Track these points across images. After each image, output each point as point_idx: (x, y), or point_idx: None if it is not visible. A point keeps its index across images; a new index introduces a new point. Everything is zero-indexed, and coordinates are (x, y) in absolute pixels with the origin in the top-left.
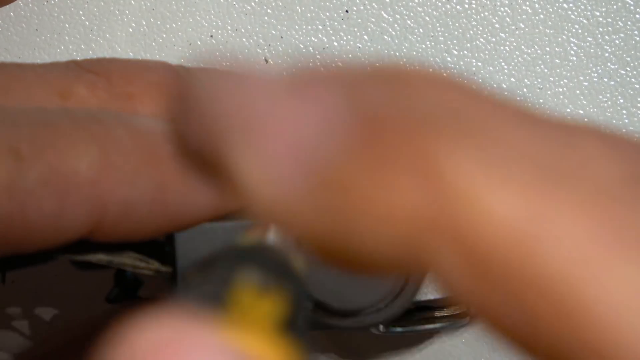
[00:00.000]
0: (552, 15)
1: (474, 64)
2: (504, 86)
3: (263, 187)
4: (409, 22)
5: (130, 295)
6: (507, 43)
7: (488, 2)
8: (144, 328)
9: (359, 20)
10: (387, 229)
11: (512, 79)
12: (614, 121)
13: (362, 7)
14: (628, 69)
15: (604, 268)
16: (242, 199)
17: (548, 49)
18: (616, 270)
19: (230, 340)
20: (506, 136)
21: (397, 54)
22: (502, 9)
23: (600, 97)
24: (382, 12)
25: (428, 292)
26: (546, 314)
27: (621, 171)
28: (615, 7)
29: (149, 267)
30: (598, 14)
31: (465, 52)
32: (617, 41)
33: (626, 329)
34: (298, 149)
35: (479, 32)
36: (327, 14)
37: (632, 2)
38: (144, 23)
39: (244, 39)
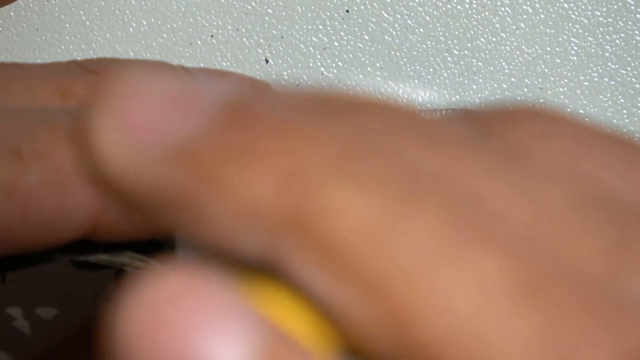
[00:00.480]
0: (553, 15)
1: (475, 63)
2: (505, 86)
3: (116, 150)
4: (409, 21)
5: None
6: (508, 43)
7: (489, 2)
8: (164, 277)
9: (360, 20)
10: (240, 216)
11: (513, 79)
12: (615, 121)
13: (362, 7)
14: (629, 68)
15: (439, 271)
16: (100, 167)
17: (549, 48)
18: (453, 266)
19: (245, 298)
20: (384, 155)
21: (398, 53)
22: (502, 8)
23: (601, 96)
24: (383, 12)
25: None
26: (390, 314)
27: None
28: (615, 7)
29: (149, 267)
30: (599, 13)
31: (466, 52)
32: (617, 41)
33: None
34: (159, 120)
35: (480, 31)
36: (328, 13)
37: (632, 2)
38: (145, 23)
39: (245, 39)
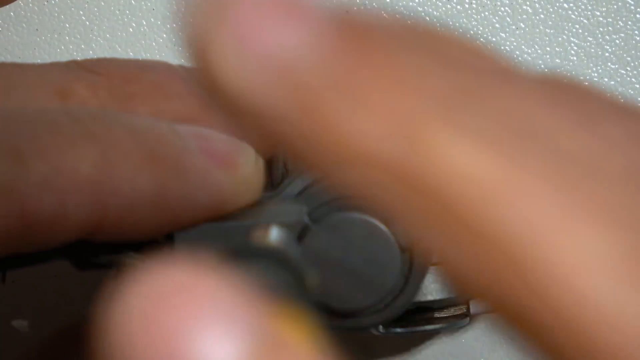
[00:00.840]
0: (553, 15)
1: None
2: None
3: (234, 74)
4: (409, 22)
5: None
6: (508, 43)
7: (488, 2)
8: (158, 273)
9: None
10: (343, 156)
11: None
12: None
13: (362, 8)
14: (628, 68)
15: (562, 232)
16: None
17: (548, 48)
18: (575, 237)
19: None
20: (497, 106)
21: None
22: (502, 8)
23: None
24: (383, 12)
25: (428, 293)
26: (506, 272)
27: (595, 148)
28: (615, 7)
29: (143, 262)
30: (598, 13)
31: None
32: (617, 41)
33: (586, 290)
34: (274, 46)
35: (480, 31)
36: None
37: (632, 2)
38: (144, 23)
39: None
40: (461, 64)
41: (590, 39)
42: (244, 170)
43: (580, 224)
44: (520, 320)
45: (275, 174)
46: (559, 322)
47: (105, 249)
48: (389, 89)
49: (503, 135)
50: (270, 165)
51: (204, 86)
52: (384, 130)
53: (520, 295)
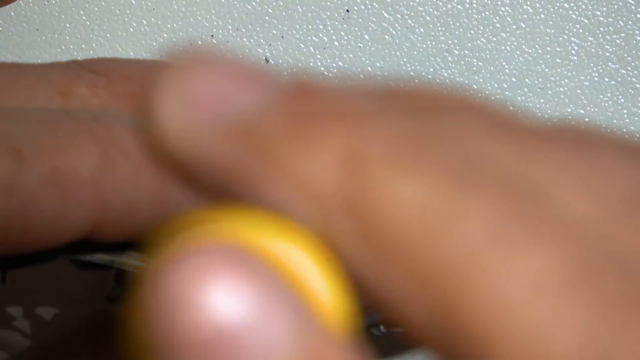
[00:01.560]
0: (553, 15)
1: (475, 63)
2: (505, 86)
3: (177, 121)
4: (409, 21)
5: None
6: (508, 43)
7: (489, 2)
8: (197, 255)
9: (360, 20)
10: (295, 195)
11: (513, 79)
12: (615, 121)
13: (362, 7)
14: (629, 68)
15: (492, 260)
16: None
17: (549, 48)
18: (503, 264)
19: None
20: (440, 142)
21: (398, 53)
22: (503, 8)
23: (601, 96)
24: (383, 12)
25: None
26: (440, 301)
27: (521, 169)
28: (616, 6)
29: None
30: (599, 13)
31: (466, 52)
32: (618, 41)
33: (509, 323)
34: (221, 94)
35: (480, 31)
36: (328, 13)
37: (633, 2)
38: (145, 23)
39: (245, 39)
40: (410, 109)
41: (591, 39)
42: None
43: (513, 249)
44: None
45: None
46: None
47: (106, 249)
48: (336, 130)
49: (443, 167)
50: None
51: (151, 143)
52: (332, 166)
53: (450, 326)
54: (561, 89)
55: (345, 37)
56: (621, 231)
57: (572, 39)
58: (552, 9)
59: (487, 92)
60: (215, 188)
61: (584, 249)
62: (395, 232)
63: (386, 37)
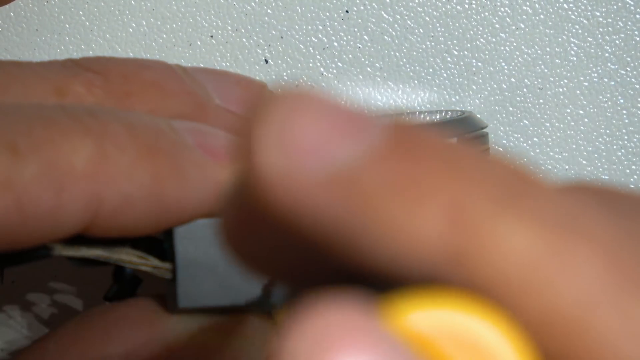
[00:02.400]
0: (553, 16)
1: (474, 64)
2: (504, 86)
3: (277, 170)
4: (409, 22)
5: (129, 293)
6: (507, 43)
7: (488, 2)
8: (324, 313)
9: (359, 21)
10: (400, 250)
11: (512, 79)
12: (614, 121)
13: (362, 7)
14: (628, 69)
15: (609, 308)
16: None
17: (548, 49)
18: (621, 311)
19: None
20: (538, 196)
21: (397, 54)
22: (502, 9)
23: (601, 97)
24: (382, 12)
25: None
26: (556, 348)
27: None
28: (615, 7)
29: (148, 264)
30: (598, 14)
31: (466, 52)
32: (617, 41)
33: None
34: (325, 144)
35: (479, 32)
36: (327, 14)
37: (632, 2)
38: (144, 23)
39: (244, 39)
40: (501, 169)
41: (590, 39)
42: None
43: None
44: None
45: None
46: None
47: (103, 245)
48: (441, 184)
49: (551, 224)
50: None
51: (248, 192)
52: (438, 219)
53: None
54: (560, 90)
55: (345, 38)
56: None
57: (572, 39)
58: (551, 10)
59: (486, 92)
60: (312, 237)
61: None
62: (504, 282)
63: (385, 37)
